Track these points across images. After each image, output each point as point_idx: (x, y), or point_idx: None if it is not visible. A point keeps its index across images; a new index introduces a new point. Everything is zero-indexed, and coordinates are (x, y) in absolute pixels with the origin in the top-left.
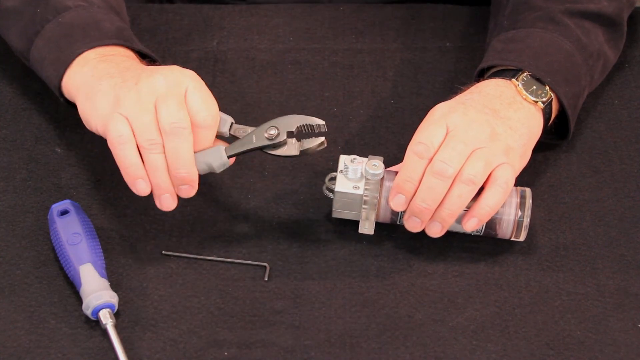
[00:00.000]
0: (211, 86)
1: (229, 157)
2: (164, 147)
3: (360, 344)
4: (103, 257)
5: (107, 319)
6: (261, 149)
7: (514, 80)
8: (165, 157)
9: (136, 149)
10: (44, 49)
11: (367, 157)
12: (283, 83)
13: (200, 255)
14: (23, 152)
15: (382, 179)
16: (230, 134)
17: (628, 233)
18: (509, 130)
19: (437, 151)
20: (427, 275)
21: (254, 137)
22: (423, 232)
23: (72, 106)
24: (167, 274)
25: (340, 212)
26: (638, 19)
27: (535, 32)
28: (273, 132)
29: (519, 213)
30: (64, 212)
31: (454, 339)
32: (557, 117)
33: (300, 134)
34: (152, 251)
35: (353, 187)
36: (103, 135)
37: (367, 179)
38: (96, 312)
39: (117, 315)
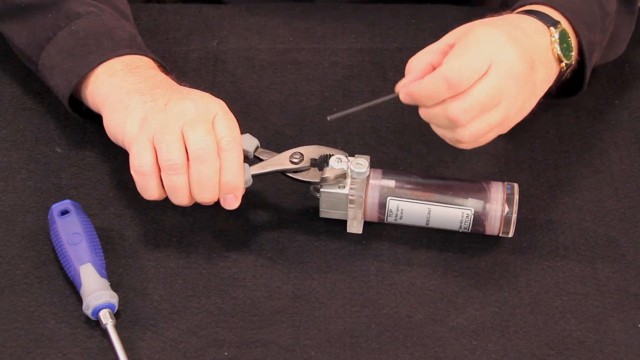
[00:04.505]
0: (211, 86)
1: (252, 175)
2: (188, 169)
3: (360, 344)
4: (103, 257)
5: (107, 319)
6: (283, 172)
7: (551, 28)
8: (189, 180)
9: (156, 180)
10: (56, 58)
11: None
12: (283, 83)
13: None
14: (23, 152)
15: (368, 177)
16: (254, 156)
17: (628, 233)
18: (531, 96)
19: (469, 89)
20: (427, 275)
21: (277, 160)
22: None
23: (80, 114)
24: (167, 274)
25: (327, 211)
26: (637, 19)
27: None
28: (297, 157)
29: (507, 209)
30: (64, 212)
31: (454, 339)
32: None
33: (322, 163)
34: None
35: (339, 187)
36: (127, 150)
37: (353, 178)
38: (96, 312)
39: (117, 315)
